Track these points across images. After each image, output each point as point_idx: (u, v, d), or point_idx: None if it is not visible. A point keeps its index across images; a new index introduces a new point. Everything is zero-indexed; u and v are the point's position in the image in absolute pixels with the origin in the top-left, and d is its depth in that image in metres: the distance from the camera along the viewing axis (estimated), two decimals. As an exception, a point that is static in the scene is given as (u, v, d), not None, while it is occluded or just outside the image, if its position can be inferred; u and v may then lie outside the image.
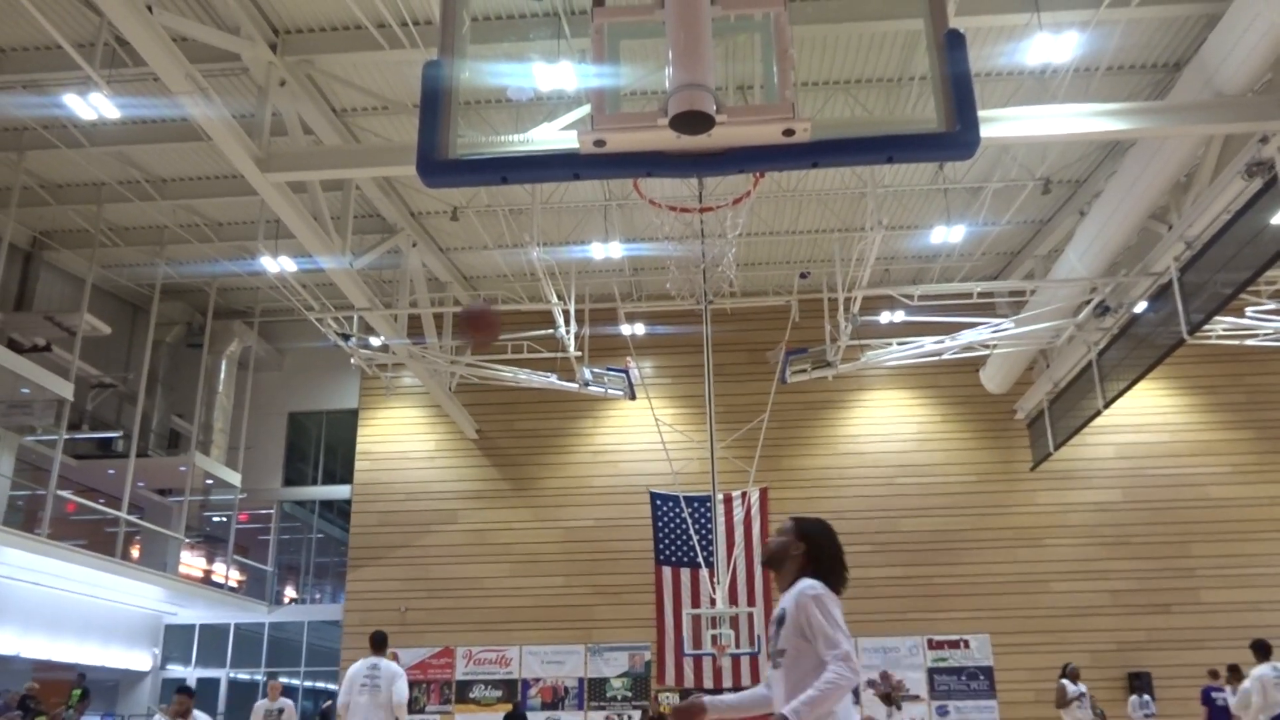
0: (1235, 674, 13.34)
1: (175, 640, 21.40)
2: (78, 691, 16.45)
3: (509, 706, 17.97)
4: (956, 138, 3.26)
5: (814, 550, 3.79)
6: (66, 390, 16.20)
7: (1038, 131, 11.66)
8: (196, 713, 9.58)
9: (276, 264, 15.30)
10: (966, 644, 19.11)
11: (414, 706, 19.43)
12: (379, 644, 9.03)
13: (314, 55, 12.92)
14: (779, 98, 3.25)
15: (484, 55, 12.39)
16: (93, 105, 12.19)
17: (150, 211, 17.36)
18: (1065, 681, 13.72)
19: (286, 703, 12.82)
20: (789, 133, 3.13)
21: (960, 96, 3.30)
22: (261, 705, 12.90)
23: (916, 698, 18.70)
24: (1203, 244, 13.11)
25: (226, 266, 19.47)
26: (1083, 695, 13.61)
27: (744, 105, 3.35)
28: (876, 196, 14.59)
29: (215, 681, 21.30)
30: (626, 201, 16.80)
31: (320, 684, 22.45)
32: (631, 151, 3.27)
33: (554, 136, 11.14)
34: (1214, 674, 14.43)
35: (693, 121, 3.06)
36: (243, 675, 21.55)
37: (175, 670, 21.24)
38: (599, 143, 3.20)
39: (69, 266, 18.91)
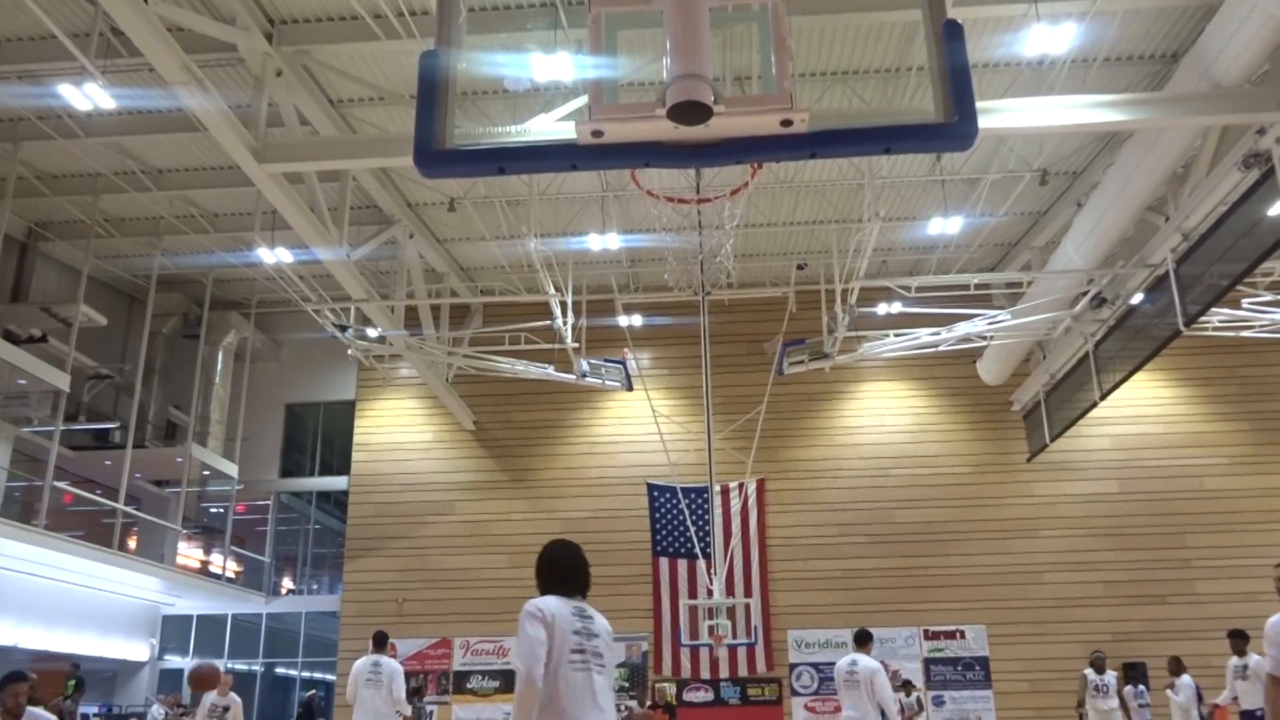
0: (1178, 666, 13.41)
1: (173, 631, 21.43)
2: (72, 682, 16.49)
3: (506, 697, 17.98)
4: (954, 129, 3.25)
5: (542, 573, 4.46)
6: (63, 381, 16.19)
7: (1035, 123, 11.66)
8: (32, 709, 8.80)
9: (273, 255, 15.28)
10: (962, 634, 19.17)
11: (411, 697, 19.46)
12: (380, 642, 9.71)
13: (310, 46, 12.89)
14: (777, 88, 3.25)
15: (481, 46, 12.37)
16: (88, 96, 12.14)
17: (146, 202, 17.34)
18: (1087, 671, 13.56)
19: (235, 700, 11.71)
20: (787, 123, 3.13)
21: (958, 87, 3.30)
22: (209, 699, 11.69)
23: (912, 687, 18.75)
24: (1200, 236, 13.12)
25: (223, 258, 19.46)
26: (1105, 686, 13.43)
27: (742, 96, 3.34)
28: (874, 188, 14.58)
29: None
30: (624, 193, 16.79)
31: (319, 674, 22.49)
32: (629, 142, 3.26)
33: (551, 127, 11.12)
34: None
35: (690, 112, 3.06)
36: (240, 665, 21.58)
37: (173, 661, 21.28)
38: (596, 133, 3.20)
39: (65, 257, 18.89)
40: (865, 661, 8.88)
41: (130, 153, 15.96)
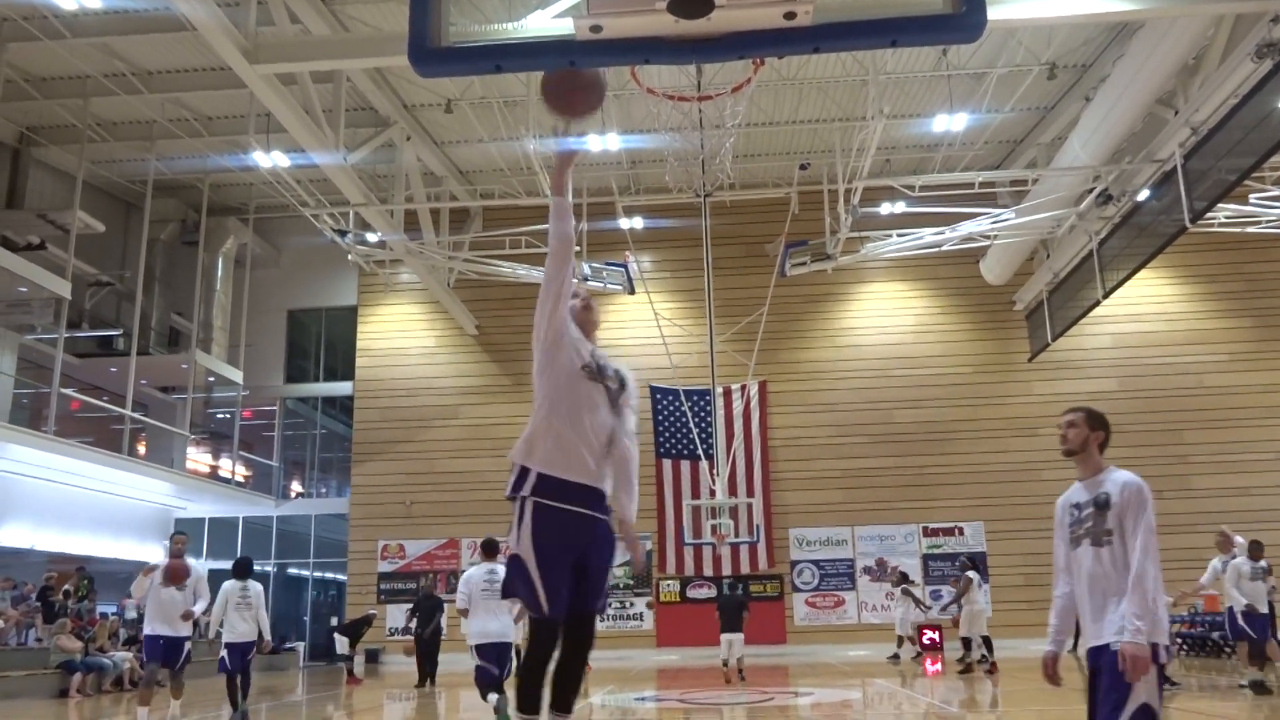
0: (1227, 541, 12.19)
1: (186, 533, 21.81)
2: (86, 581, 16.94)
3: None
4: (963, 19, 3.17)
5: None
6: (64, 288, 16.17)
7: (1045, 13, 11.37)
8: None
9: (269, 159, 15.08)
10: (961, 531, 19.54)
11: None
12: (244, 570, 10.12)
13: (298, -60, 12.50)
14: (780, -21, 3.15)
15: (474, -62, 11.99)
16: (72, -6, 11.84)
17: (138, 106, 17.04)
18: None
19: None
20: (790, 15, 3.04)
21: (967, -24, 3.20)
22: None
23: (912, 582, 19.20)
24: (1209, 129, 12.89)
25: (219, 162, 19.22)
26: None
27: (744, -13, 3.24)
28: (878, 84, 14.30)
29: (226, 573, 21.79)
30: (624, 92, 16.47)
31: (329, 574, 23.01)
32: (628, 37, 3.18)
33: (548, 24, 10.84)
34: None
35: (691, 4, 2.98)
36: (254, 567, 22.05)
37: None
38: (595, 28, 3.12)
39: (59, 163, 18.66)
40: None
41: (119, 54, 15.62)
